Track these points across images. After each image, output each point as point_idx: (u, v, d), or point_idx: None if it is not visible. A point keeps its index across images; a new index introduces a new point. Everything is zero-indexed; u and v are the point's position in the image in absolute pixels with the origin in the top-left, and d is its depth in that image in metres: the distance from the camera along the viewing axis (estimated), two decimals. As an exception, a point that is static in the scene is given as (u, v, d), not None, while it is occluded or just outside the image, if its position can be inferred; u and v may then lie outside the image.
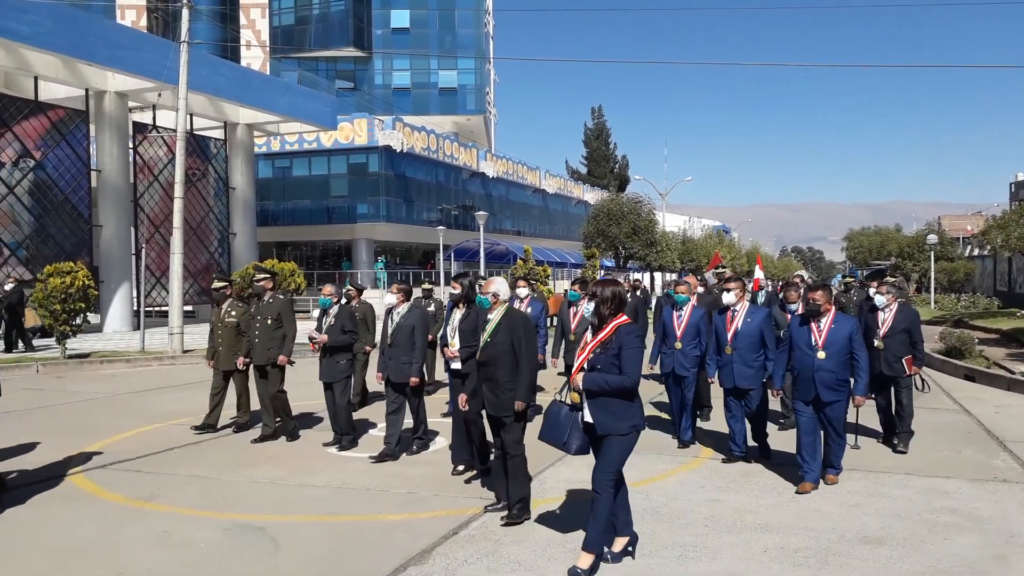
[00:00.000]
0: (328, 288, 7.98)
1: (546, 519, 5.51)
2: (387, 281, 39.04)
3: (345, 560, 4.78)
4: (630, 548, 4.76)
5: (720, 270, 14.81)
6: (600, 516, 4.46)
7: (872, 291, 11.90)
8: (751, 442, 7.23)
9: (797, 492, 6.03)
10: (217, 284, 8.79)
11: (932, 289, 35.81)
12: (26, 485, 6.47)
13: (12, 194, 20.84)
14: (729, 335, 7.12)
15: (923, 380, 8.42)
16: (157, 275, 23.94)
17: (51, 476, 6.77)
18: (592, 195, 64.10)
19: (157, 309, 24.66)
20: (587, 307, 8.57)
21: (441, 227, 39.65)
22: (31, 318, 20.18)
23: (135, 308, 23.80)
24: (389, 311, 7.41)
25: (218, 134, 28.17)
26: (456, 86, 55.87)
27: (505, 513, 5.45)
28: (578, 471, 6.87)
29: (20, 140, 21.08)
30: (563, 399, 4.67)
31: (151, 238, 24.42)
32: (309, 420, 9.18)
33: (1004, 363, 13.93)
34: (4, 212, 20.63)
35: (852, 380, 6.24)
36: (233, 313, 8.54)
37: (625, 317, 4.61)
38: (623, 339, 4.48)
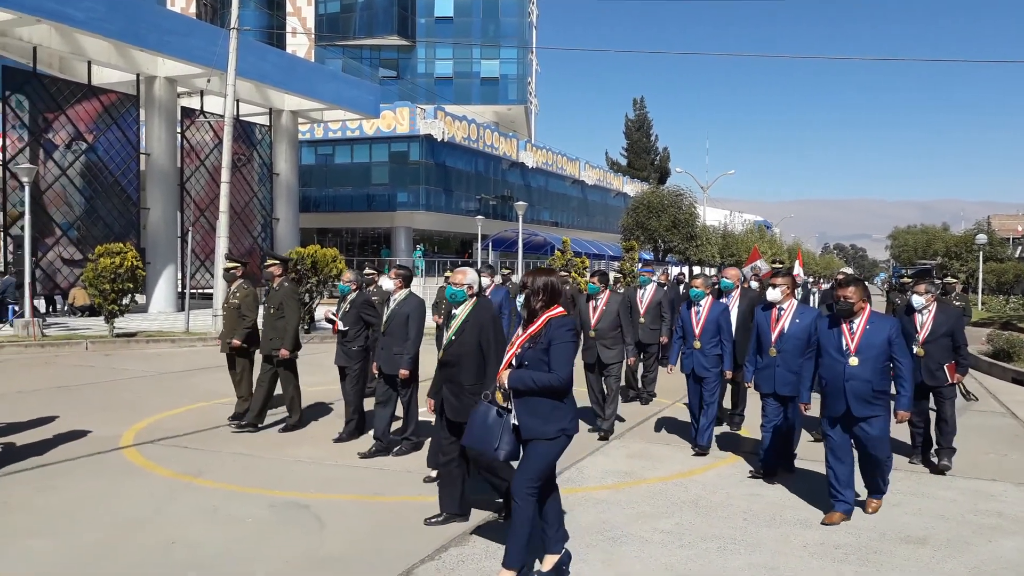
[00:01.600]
0: (347, 274, 7.77)
1: (585, 507, 5.55)
2: (425, 269, 39.29)
3: (387, 539, 4.87)
4: (564, 567, 4.28)
5: (775, 264, 14.58)
6: (519, 528, 4.05)
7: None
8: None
9: (824, 523, 5.25)
10: (227, 265, 8.60)
11: (980, 290, 35.00)
12: (83, 456, 6.70)
13: (64, 176, 21.41)
14: (773, 336, 6.50)
15: (967, 390, 7.54)
16: (201, 258, 24.44)
17: (105, 449, 7.00)
18: (632, 187, 63.69)
19: (201, 291, 25.18)
20: (608, 300, 8.08)
21: (480, 217, 39.76)
22: (81, 297, 20.80)
23: (180, 289, 24.35)
24: (387, 298, 7.10)
25: (263, 120, 28.58)
26: (498, 76, 55.84)
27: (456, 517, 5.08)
28: (616, 461, 6.91)
29: (73, 123, 21.63)
30: (492, 399, 4.21)
31: (196, 221, 24.93)
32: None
33: (1054, 367, 13.58)
34: (57, 193, 21.22)
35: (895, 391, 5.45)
36: (237, 295, 8.22)
37: (560, 309, 4.20)
38: (553, 333, 4.09)
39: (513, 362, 4.19)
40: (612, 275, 12.29)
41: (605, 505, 5.61)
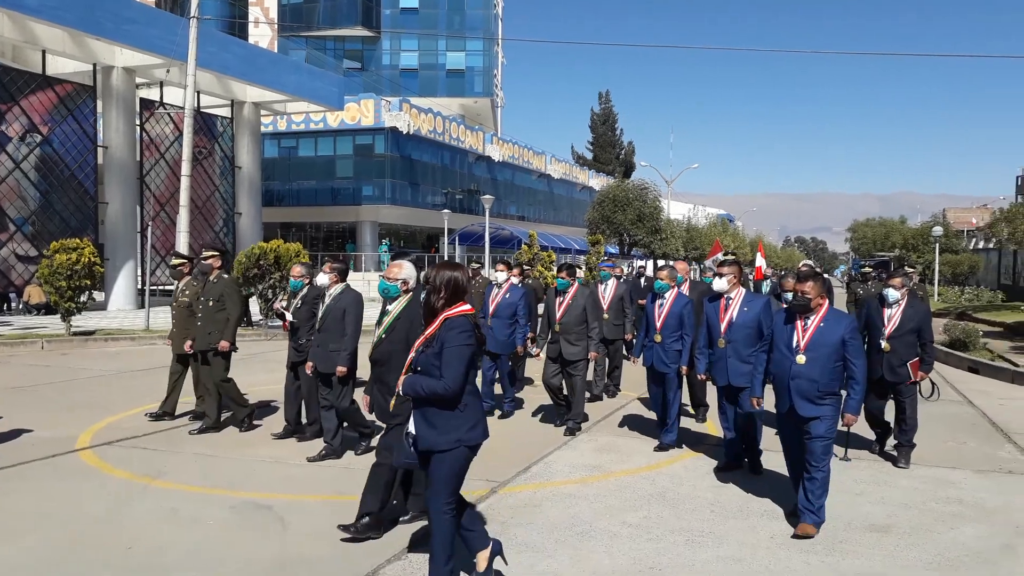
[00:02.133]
0: (297, 269, 7.46)
1: (553, 502, 5.53)
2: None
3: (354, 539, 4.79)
4: (498, 555, 4.10)
5: (725, 256, 14.66)
6: (439, 549, 3.82)
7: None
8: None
9: (796, 536, 4.88)
10: (175, 261, 8.31)
11: (936, 281, 35.74)
12: (37, 460, 6.51)
13: (19, 169, 20.84)
14: (722, 326, 6.38)
15: (933, 385, 7.16)
16: (162, 253, 23.97)
17: (60, 451, 6.80)
18: (597, 181, 63.93)
19: (162, 288, 24.70)
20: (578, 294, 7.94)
21: (446, 211, 39.58)
22: (37, 294, 20.27)
23: (140, 286, 23.87)
24: (321, 292, 6.84)
25: (225, 112, 28.10)
26: (464, 68, 55.60)
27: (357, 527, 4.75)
28: (584, 455, 6.91)
29: (27, 115, 21.06)
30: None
31: (157, 216, 24.44)
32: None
33: (1008, 356, 13.91)
34: (10, 187, 20.65)
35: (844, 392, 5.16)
36: (187, 292, 7.97)
37: (463, 308, 3.88)
38: (445, 335, 3.77)
39: (411, 366, 3.91)
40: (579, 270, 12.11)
41: (573, 499, 5.59)
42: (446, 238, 39.26)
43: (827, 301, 5.26)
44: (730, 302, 6.43)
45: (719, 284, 6.45)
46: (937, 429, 7.97)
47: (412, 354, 3.91)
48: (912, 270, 13.25)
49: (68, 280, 14.95)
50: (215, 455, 6.78)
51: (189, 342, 7.78)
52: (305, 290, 7.31)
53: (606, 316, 9.49)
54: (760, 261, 18.22)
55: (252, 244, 21.82)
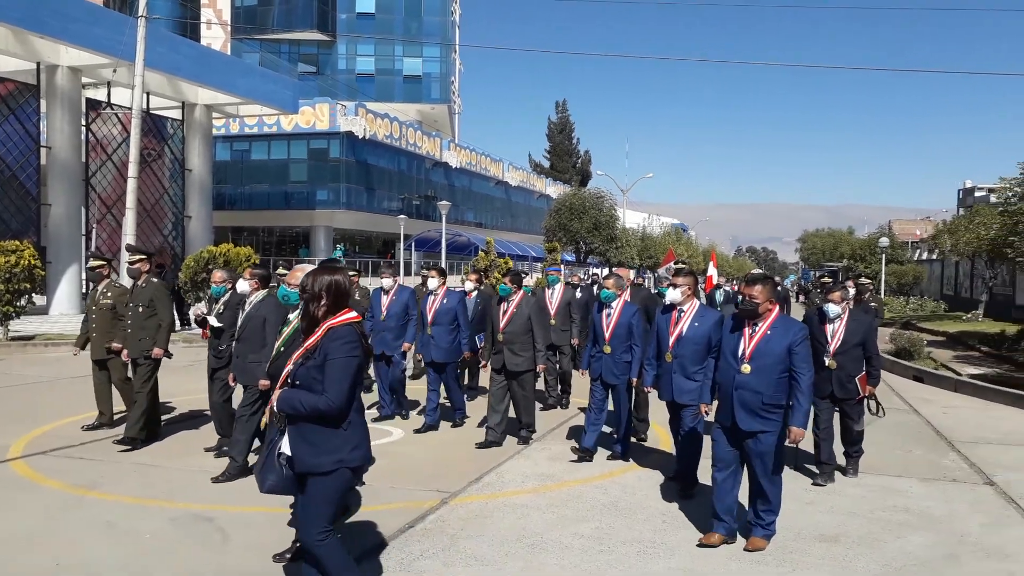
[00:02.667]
0: (218, 274, 7.04)
1: (504, 512, 5.44)
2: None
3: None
4: None
5: (679, 265, 14.73)
6: (340, 572, 3.48)
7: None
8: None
9: (700, 544, 4.84)
10: (93, 263, 7.91)
11: (882, 291, 36.62)
12: (-38, 471, 6.20)
13: (-45, 168, 20.07)
14: (671, 339, 6.07)
15: (878, 403, 6.92)
16: (108, 257, 23.29)
17: (-11, 462, 6.50)
18: (554, 189, 64.20)
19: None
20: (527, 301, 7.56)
21: (402, 216, 39.30)
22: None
23: (84, 290, 23.14)
24: (241, 300, 6.48)
25: (175, 114, 27.47)
26: (421, 74, 55.39)
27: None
28: (538, 464, 6.84)
29: (-35, 113, 20.30)
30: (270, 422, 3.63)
31: (103, 219, 23.77)
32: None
33: (951, 365, 14.26)
34: (-54, 187, 19.86)
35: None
36: (109, 295, 7.66)
37: (348, 316, 3.53)
38: (329, 346, 3.42)
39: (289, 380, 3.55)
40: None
41: (525, 510, 5.51)
42: (402, 244, 38.99)
43: (776, 307, 4.93)
44: (682, 315, 6.11)
45: (673, 295, 6.12)
46: (884, 437, 8.09)
47: (289, 366, 3.55)
48: (868, 281, 13.34)
49: (6, 283, 14.44)
50: (154, 464, 6.55)
51: (116, 345, 7.46)
52: (228, 295, 6.89)
53: (553, 322, 9.37)
54: (712, 270, 18.42)
55: (202, 248, 21.36)
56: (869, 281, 13.29)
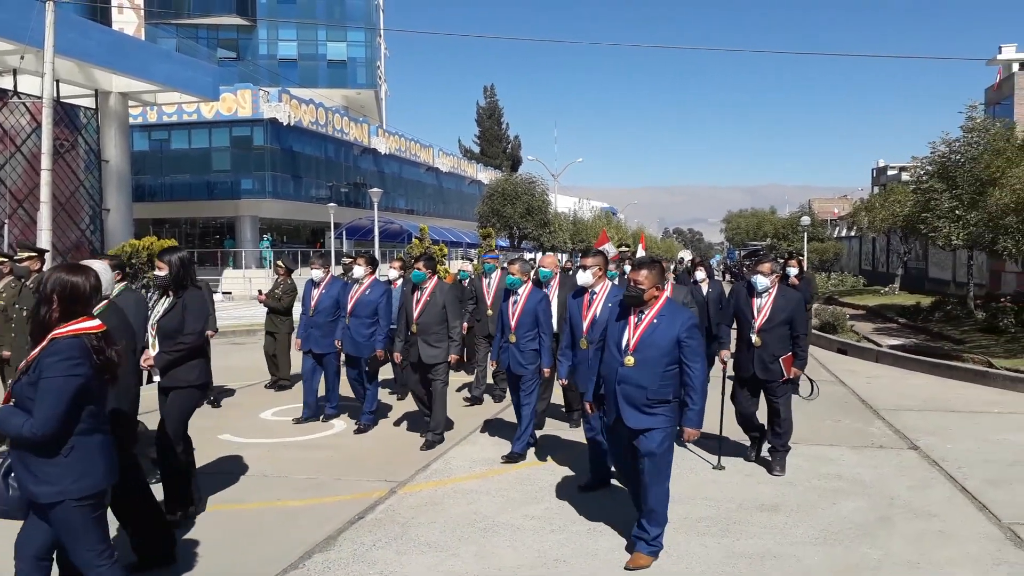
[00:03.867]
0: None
1: (455, 498, 5.46)
2: (273, 260, 37.78)
3: (247, 550, 4.57)
4: None
5: (622, 248, 14.88)
6: None
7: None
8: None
9: (627, 567, 4.29)
10: (21, 255, 7.30)
11: (805, 268, 37.90)
12: None
13: None
14: (585, 325, 5.68)
15: (812, 383, 6.75)
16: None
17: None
18: (485, 175, 64.08)
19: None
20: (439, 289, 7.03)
21: (332, 204, 38.60)
22: None
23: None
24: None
25: (88, 103, 26.27)
26: (345, 59, 54.33)
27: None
28: (484, 449, 6.87)
29: None
30: None
31: (14, 213, 22.63)
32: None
33: (872, 337, 14.92)
34: None
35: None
36: (4, 295, 7.09)
37: (88, 324, 3.13)
38: (44, 362, 3.00)
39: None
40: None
41: (475, 495, 5.54)
42: (332, 232, 38.36)
43: (664, 294, 4.48)
44: (594, 297, 5.77)
45: (583, 278, 5.78)
46: (815, 408, 8.38)
47: (10, 381, 3.15)
48: (801, 257, 13.32)
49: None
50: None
51: (6, 353, 6.91)
52: (118, 288, 6.09)
53: (490, 312, 8.71)
54: (641, 253, 18.74)
55: (123, 242, 20.57)
56: (802, 257, 13.43)
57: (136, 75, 25.96)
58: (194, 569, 4.31)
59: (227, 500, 5.49)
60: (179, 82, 27.85)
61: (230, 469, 6.24)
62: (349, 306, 7.68)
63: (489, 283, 9.03)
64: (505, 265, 8.81)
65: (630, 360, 4.34)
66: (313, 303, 7.99)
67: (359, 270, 7.83)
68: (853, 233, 41.64)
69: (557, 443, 7.04)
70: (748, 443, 6.57)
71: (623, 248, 14.80)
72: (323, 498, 5.49)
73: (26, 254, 7.07)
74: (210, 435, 7.39)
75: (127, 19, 50.14)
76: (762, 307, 6.05)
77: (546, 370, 6.50)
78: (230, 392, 9.72)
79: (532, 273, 7.05)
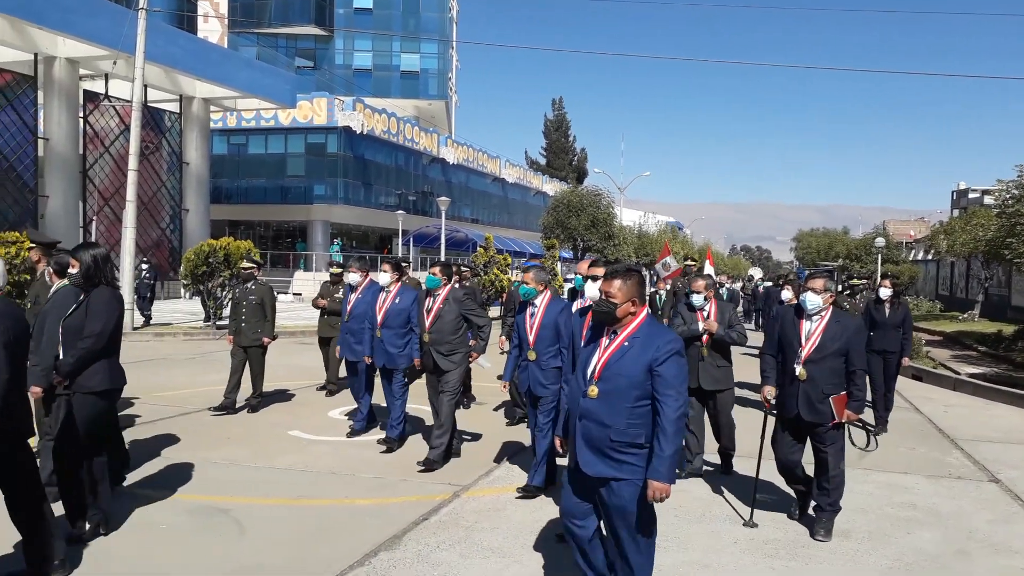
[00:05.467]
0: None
1: (518, 505, 5.47)
2: (343, 264, 38.55)
3: (314, 545, 4.67)
4: None
5: (687, 263, 14.67)
6: None
7: (785, 292, 9.57)
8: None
9: None
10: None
11: (899, 291, 36.72)
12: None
13: (-47, 159, 20.01)
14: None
15: (868, 432, 5.45)
16: (107, 249, 23.25)
17: None
18: (551, 186, 64.24)
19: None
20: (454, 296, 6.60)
21: (400, 212, 39.29)
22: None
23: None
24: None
25: (173, 107, 27.43)
26: (418, 70, 55.31)
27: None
28: (545, 459, 6.86)
29: (-37, 103, 20.24)
30: None
31: (101, 211, 23.74)
32: (280, 397, 8.99)
33: (949, 364, 14.37)
34: (-56, 178, 19.80)
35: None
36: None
37: None
38: None
39: None
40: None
41: (538, 503, 5.53)
42: (400, 239, 38.99)
43: (643, 311, 3.58)
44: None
45: (591, 290, 5.20)
46: (888, 435, 8.15)
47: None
48: (897, 280, 10.79)
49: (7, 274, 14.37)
50: (168, 457, 6.55)
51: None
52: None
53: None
54: (709, 269, 18.51)
55: (200, 241, 21.32)
56: (898, 280, 10.41)
57: (218, 81, 26.94)
58: (259, 564, 4.42)
59: (298, 495, 5.62)
60: (258, 89, 28.79)
61: (300, 465, 6.39)
62: (379, 317, 7.00)
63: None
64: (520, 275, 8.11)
65: (593, 390, 3.48)
66: (349, 308, 7.68)
67: (385, 277, 7.08)
68: (930, 257, 40.20)
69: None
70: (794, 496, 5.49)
71: (688, 263, 14.57)
72: (388, 498, 5.58)
73: (30, 246, 6.70)
74: (281, 431, 7.60)
75: (211, 27, 51.99)
76: (811, 333, 4.99)
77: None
78: (289, 395, 9.94)
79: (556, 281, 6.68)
